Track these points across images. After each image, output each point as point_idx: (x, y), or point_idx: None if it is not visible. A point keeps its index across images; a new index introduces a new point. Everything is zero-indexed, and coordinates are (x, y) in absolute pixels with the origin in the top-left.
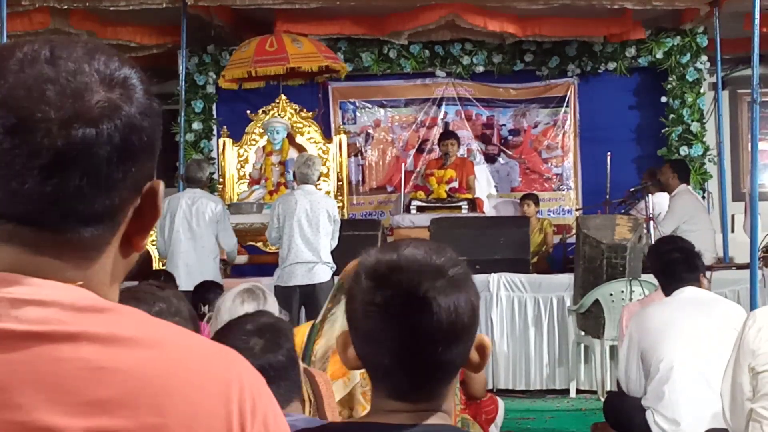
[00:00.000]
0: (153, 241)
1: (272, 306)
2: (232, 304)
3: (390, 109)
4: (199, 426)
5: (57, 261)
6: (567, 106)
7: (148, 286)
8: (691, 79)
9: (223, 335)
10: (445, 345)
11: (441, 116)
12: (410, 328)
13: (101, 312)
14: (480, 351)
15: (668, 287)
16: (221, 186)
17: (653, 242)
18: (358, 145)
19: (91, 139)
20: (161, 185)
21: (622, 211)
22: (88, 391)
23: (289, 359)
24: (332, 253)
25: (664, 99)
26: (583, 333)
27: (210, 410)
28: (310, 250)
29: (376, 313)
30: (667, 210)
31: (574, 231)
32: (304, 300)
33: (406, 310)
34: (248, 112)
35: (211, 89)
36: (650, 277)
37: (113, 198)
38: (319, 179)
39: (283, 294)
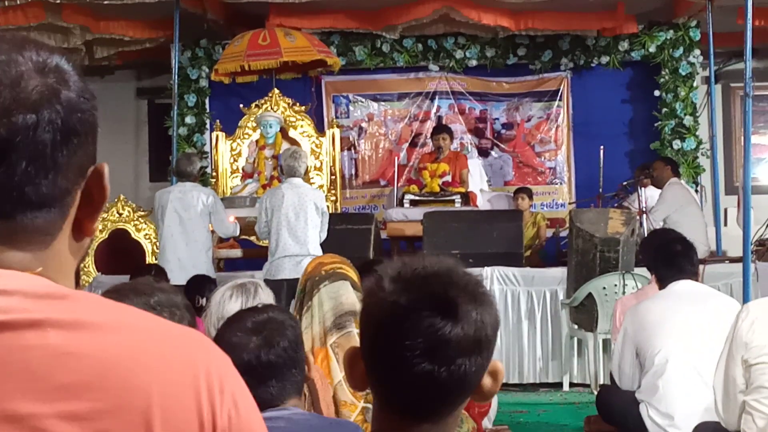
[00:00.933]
0: (146, 234)
1: (265, 300)
2: (221, 299)
3: (383, 103)
4: (169, 405)
5: (12, 250)
6: (560, 100)
7: (145, 279)
8: (684, 73)
9: (221, 331)
10: (467, 355)
11: (434, 110)
12: (435, 331)
13: (63, 299)
14: (493, 376)
15: (666, 278)
16: (214, 180)
17: (646, 234)
18: (351, 138)
19: (32, 124)
20: (106, 167)
21: (615, 204)
22: (56, 377)
23: (285, 358)
24: (322, 245)
25: (657, 93)
26: (576, 326)
27: (178, 390)
28: (298, 244)
29: (400, 314)
30: (658, 199)
31: (567, 225)
32: (293, 293)
33: (433, 312)
34: (241, 106)
35: (204, 83)
36: (643, 271)
37: (60, 181)
38: (306, 172)
39: (272, 287)
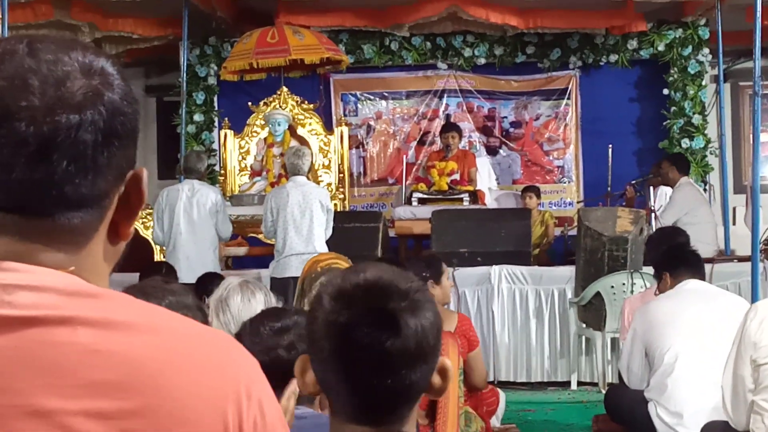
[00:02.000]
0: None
1: (261, 300)
2: (223, 295)
3: (391, 101)
4: (195, 408)
5: (47, 248)
6: (568, 99)
7: (155, 281)
8: (692, 72)
9: (248, 326)
10: (411, 366)
11: (442, 108)
12: (376, 348)
13: (94, 297)
14: (442, 374)
15: (676, 278)
16: (222, 178)
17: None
18: (359, 137)
19: (75, 124)
20: (145, 172)
21: (623, 203)
22: (84, 374)
23: None
24: (329, 243)
25: (665, 91)
26: (584, 325)
27: (205, 393)
28: (304, 242)
29: (340, 333)
30: (668, 202)
31: (575, 223)
32: None
33: (374, 329)
34: (249, 103)
35: (212, 81)
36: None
37: (99, 183)
38: (311, 170)
39: (279, 285)
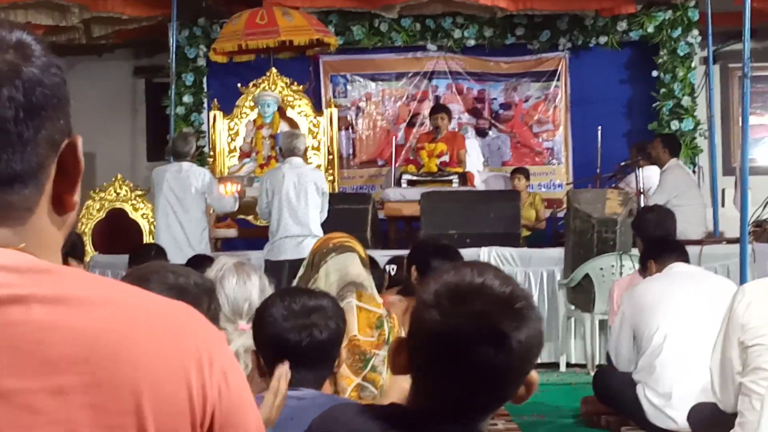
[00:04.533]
0: (143, 214)
1: (256, 283)
2: (217, 276)
3: (381, 83)
4: (157, 379)
5: None
6: (558, 80)
7: (159, 261)
8: (682, 54)
9: (266, 304)
10: (511, 381)
11: (432, 90)
12: (482, 361)
13: (47, 273)
14: (528, 386)
15: (664, 261)
16: (212, 159)
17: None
18: (348, 118)
19: None
20: (79, 139)
21: (613, 185)
22: (40, 352)
23: (321, 352)
24: (322, 225)
25: (655, 73)
26: (573, 307)
27: (167, 364)
28: (299, 224)
29: (451, 338)
30: (658, 185)
31: (564, 205)
32: (294, 274)
33: (486, 343)
34: (239, 85)
35: (201, 62)
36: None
37: (29, 157)
38: (305, 152)
39: (273, 268)
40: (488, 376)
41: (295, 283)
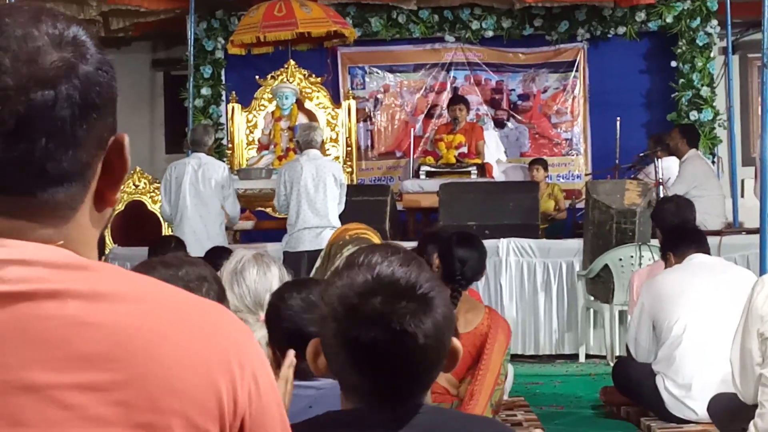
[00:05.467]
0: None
1: (276, 274)
2: (236, 267)
3: (399, 74)
4: (185, 377)
5: (34, 224)
6: (576, 71)
7: (176, 253)
8: (701, 44)
9: (279, 293)
10: (429, 369)
11: (450, 81)
12: (393, 363)
13: (83, 269)
14: (451, 354)
15: (683, 252)
16: (230, 151)
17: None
18: (367, 110)
19: (51, 101)
20: (126, 138)
21: (632, 176)
22: (74, 347)
23: None
24: (340, 217)
25: (673, 63)
26: (592, 298)
27: (195, 362)
28: (317, 216)
29: (355, 347)
30: (677, 175)
31: (583, 196)
32: (312, 265)
33: (394, 347)
34: (257, 77)
35: (219, 55)
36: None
37: (80, 156)
38: (323, 144)
39: (292, 259)
40: (404, 373)
41: (312, 274)
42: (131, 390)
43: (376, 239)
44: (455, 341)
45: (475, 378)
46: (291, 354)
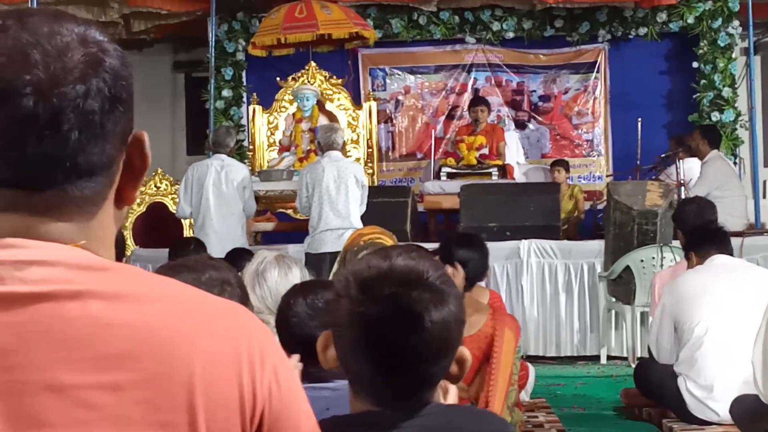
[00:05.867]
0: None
1: (297, 275)
2: (258, 268)
3: (420, 76)
4: (209, 377)
5: (59, 222)
6: (597, 72)
7: (199, 256)
8: (722, 44)
9: (287, 299)
10: (432, 360)
11: (471, 82)
12: (401, 343)
13: (104, 270)
14: (459, 363)
15: (705, 253)
16: (251, 153)
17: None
18: (387, 111)
19: (83, 94)
20: (145, 135)
21: (653, 177)
22: (96, 348)
23: None
24: (362, 218)
25: (695, 64)
26: (613, 299)
27: (219, 361)
28: (339, 217)
29: (365, 325)
30: (699, 176)
31: (604, 197)
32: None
33: (400, 326)
34: (278, 79)
35: (240, 56)
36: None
37: (108, 149)
38: (344, 146)
39: (314, 261)
40: (409, 358)
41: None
42: (154, 389)
43: (391, 243)
44: (464, 350)
45: (487, 384)
46: (295, 358)
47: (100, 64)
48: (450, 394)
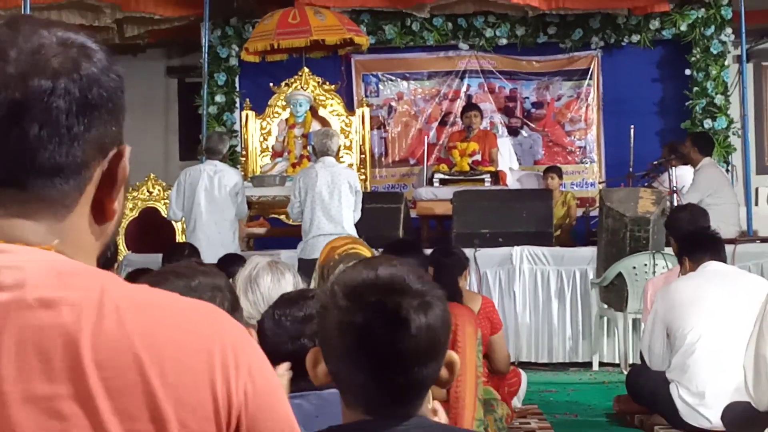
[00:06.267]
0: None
1: (290, 281)
2: (251, 274)
3: (413, 82)
4: (183, 383)
5: (27, 221)
6: (590, 79)
7: (188, 262)
8: (715, 52)
9: (270, 311)
10: (421, 363)
11: (464, 89)
12: (389, 348)
13: (76, 276)
14: (449, 368)
15: (698, 260)
16: (244, 159)
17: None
18: (380, 117)
19: (48, 90)
20: (128, 149)
21: (646, 184)
22: (69, 357)
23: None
24: (356, 225)
25: (688, 72)
26: (606, 306)
27: (191, 366)
28: (332, 223)
29: (354, 333)
30: (692, 183)
31: (597, 204)
32: None
33: (387, 331)
34: (271, 84)
35: (233, 62)
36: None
37: (75, 152)
38: (338, 152)
39: (307, 266)
40: (399, 361)
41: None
42: (126, 399)
43: (366, 251)
44: (453, 354)
45: (456, 380)
46: (283, 366)
47: (75, 67)
48: (440, 415)
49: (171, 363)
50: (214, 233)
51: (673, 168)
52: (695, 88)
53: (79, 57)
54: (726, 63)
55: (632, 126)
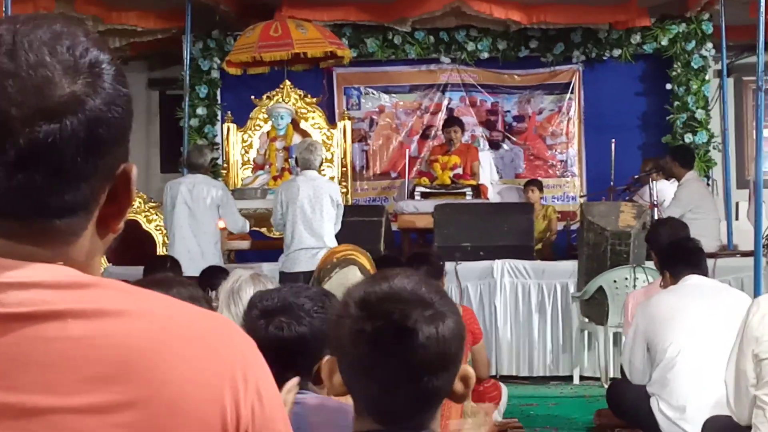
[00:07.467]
0: (156, 226)
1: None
2: (234, 286)
3: (394, 95)
4: (191, 397)
5: (35, 248)
6: (572, 93)
7: (164, 275)
8: (696, 67)
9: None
10: (433, 373)
11: (445, 102)
12: (399, 357)
13: (85, 287)
14: (464, 381)
15: (678, 273)
16: (225, 171)
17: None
18: (362, 131)
19: (54, 136)
20: (134, 168)
21: (627, 198)
22: (78, 369)
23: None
24: (336, 237)
25: (669, 86)
26: (586, 320)
27: (201, 380)
28: (314, 236)
29: (365, 341)
30: (673, 197)
31: (578, 218)
32: None
33: (396, 340)
34: (253, 97)
35: (215, 74)
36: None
37: (84, 190)
38: (321, 165)
39: (288, 280)
40: (407, 372)
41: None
42: (135, 412)
43: (364, 259)
44: (467, 368)
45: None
46: (293, 382)
47: (79, 106)
48: None
49: (179, 378)
50: (194, 246)
51: (654, 182)
52: (676, 103)
53: (85, 92)
54: (707, 78)
55: (613, 140)
